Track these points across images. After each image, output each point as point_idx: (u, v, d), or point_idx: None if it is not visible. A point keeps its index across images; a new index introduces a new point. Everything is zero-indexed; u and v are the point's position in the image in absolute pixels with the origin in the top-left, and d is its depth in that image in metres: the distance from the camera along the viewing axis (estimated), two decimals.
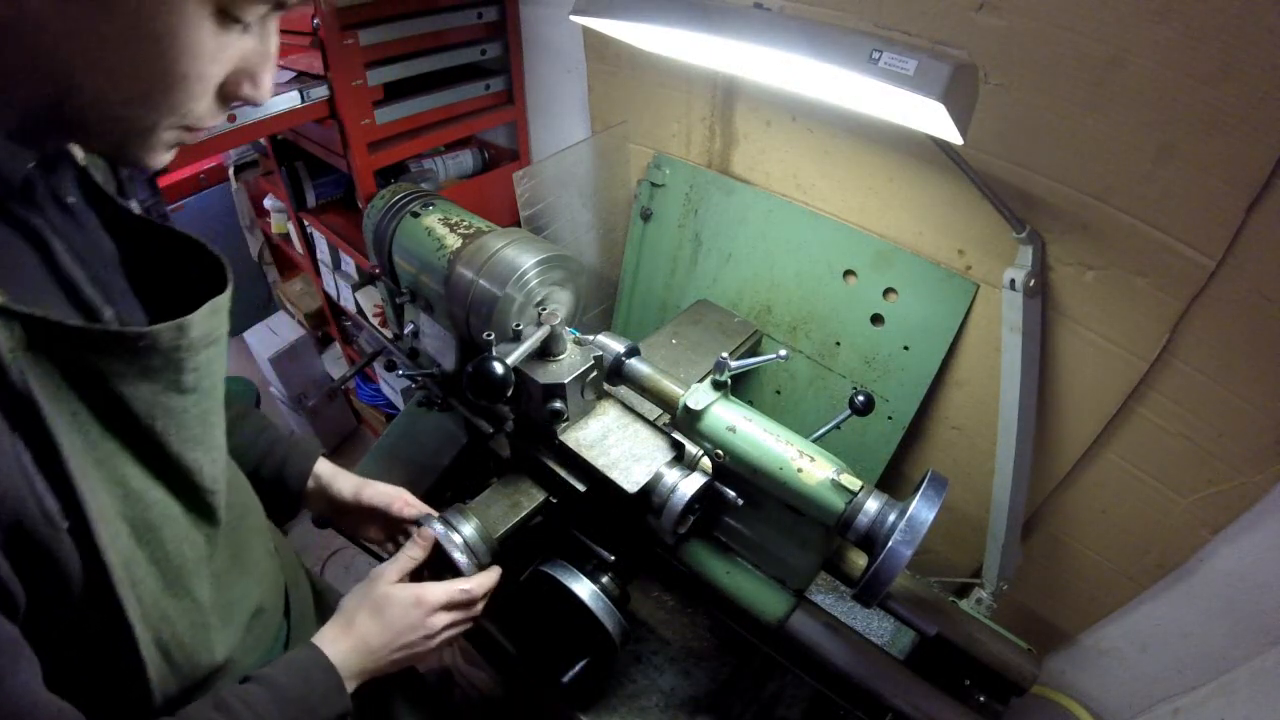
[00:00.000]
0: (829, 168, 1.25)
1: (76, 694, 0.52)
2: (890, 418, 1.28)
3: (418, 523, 0.87)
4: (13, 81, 0.44)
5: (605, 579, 0.93)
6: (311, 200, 1.93)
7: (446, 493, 1.24)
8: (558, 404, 0.87)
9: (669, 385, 0.90)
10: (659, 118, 1.48)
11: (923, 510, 0.71)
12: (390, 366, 1.35)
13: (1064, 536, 1.23)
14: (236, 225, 2.93)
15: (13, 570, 0.45)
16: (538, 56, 1.70)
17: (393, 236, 1.19)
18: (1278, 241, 0.83)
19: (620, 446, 0.89)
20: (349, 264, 1.96)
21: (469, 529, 0.87)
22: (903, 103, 0.72)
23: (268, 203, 2.37)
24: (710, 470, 0.88)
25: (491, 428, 1.18)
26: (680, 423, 0.88)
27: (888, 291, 1.23)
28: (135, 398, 0.51)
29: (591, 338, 0.94)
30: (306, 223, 1.97)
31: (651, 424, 0.92)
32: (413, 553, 0.84)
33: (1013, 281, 1.00)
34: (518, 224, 1.42)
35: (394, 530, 0.94)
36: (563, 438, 0.89)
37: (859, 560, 0.92)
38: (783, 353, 0.88)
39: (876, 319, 1.25)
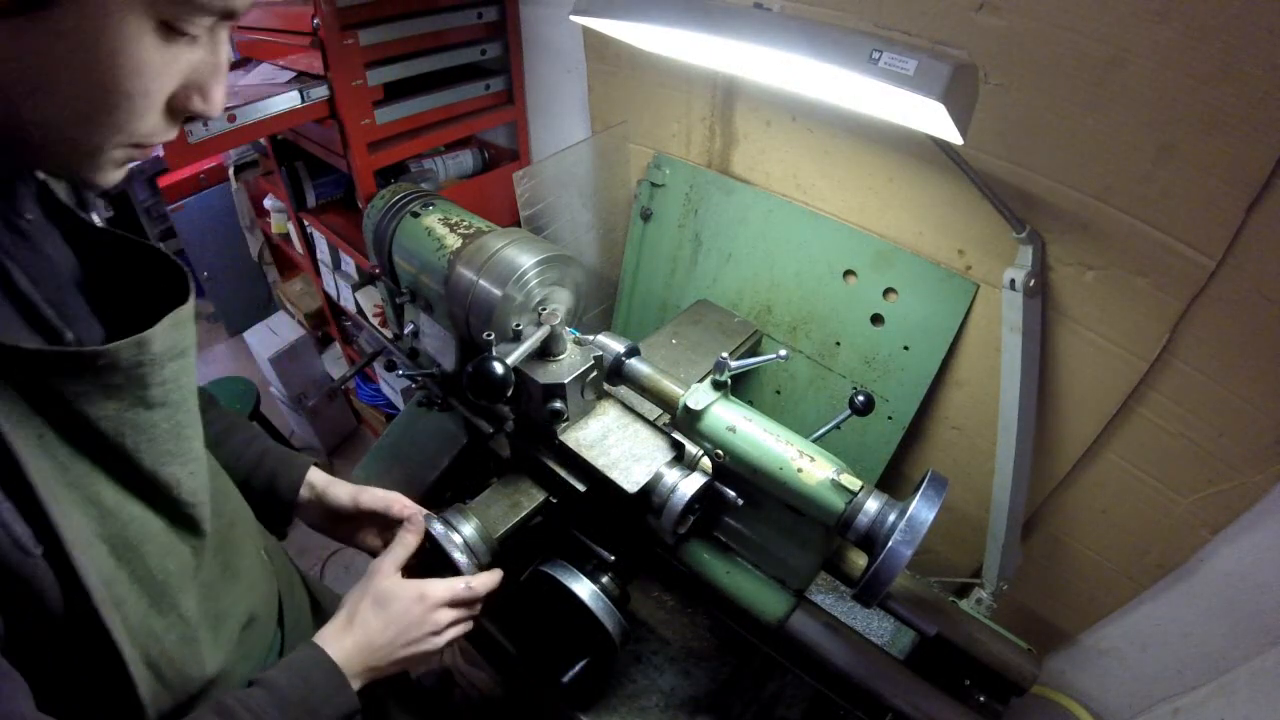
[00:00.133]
0: (829, 168, 1.25)
1: (68, 715, 0.51)
2: (890, 418, 1.28)
3: None
4: None
5: (605, 579, 0.93)
6: (311, 200, 1.93)
7: (446, 493, 1.24)
8: (558, 404, 0.87)
9: (669, 385, 0.90)
10: (659, 118, 1.48)
11: (923, 510, 0.71)
12: (390, 366, 1.35)
13: (1064, 536, 1.23)
14: (236, 225, 2.93)
15: None
16: (538, 56, 1.70)
17: (393, 236, 1.19)
18: (1278, 241, 0.83)
19: (620, 446, 0.89)
20: (349, 264, 1.96)
21: (469, 529, 0.87)
22: (903, 103, 0.72)
23: (268, 203, 2.37)
24: (710, 470, 0.88)
25: (491, 428, 1.18)
26: (680, 423, 0.88)
27: (888, 291, 1.23)
28: (101, 417, 0.50)
29: (591, 338, 0.94)
30: (306, 223, 1.97)
31: (651, 424, 0.92)
32: (406, 540, 0.83)
33: (1013, 281, 1.00)
34: (518, 224, 1.42)
35: (393, 535, 0.94)
36: (563, 438, 0.89)
37: (859, 560, 0.92)
38: (783, 353, 0.88)
39: (876, 319, 1.25)
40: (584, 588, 0.89)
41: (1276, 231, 0.83)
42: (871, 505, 0.76)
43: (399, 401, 2.35)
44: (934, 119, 0.71)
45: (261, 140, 2.02)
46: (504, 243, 1.06)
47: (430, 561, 0.85)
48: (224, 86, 0.52)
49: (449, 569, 0.84)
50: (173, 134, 0.52)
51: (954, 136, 0.72)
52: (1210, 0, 0.76)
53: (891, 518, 0.74)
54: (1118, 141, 0.89)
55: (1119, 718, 1.31)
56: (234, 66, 1.69)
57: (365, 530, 0.94)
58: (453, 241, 1.11)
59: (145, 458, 0.54)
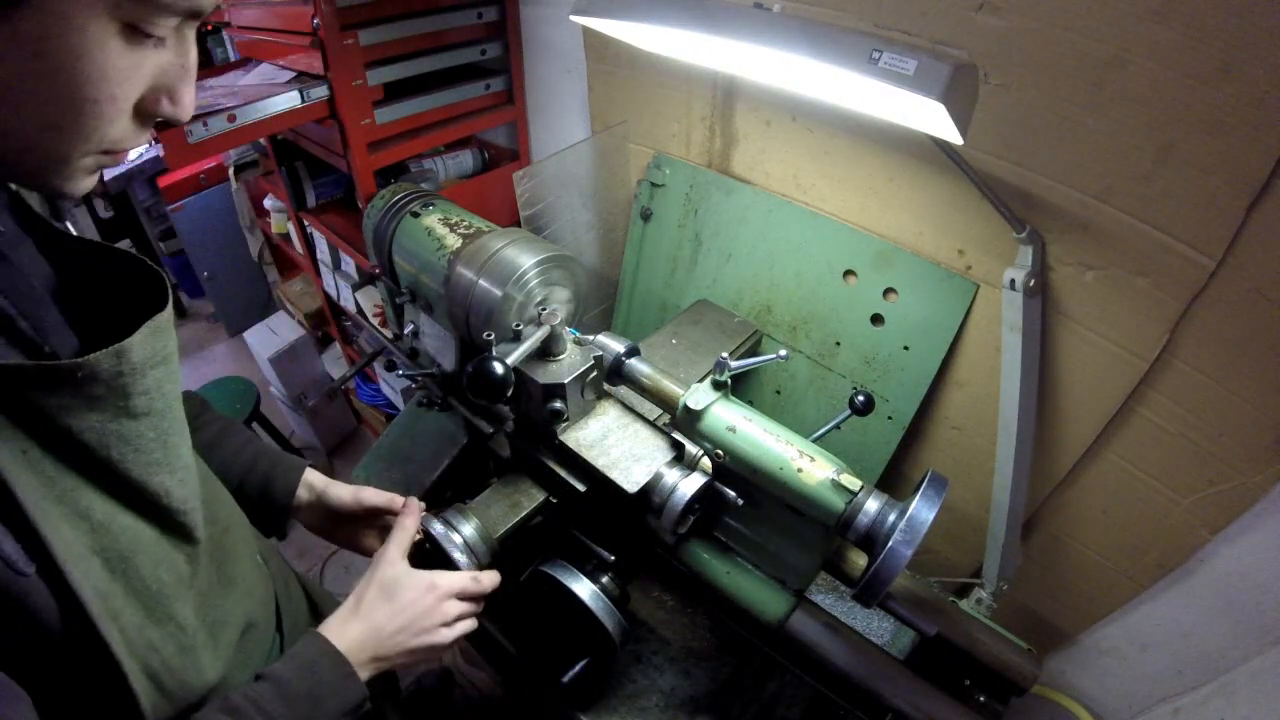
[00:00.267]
0: (829, 168, 1.25)
1: None
2: (890, 418, 1.28)
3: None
4: None
5: (605, 579, 0.93)
6: (311, 200, 1.93)
7: (446, 493, 1.24)
8: (558, 404, 0.87)
9: (669, 385, 0.90)
10: (659, 118, 1.48)
11: (923, 510, 0.71)
12: (390, 366, 1.35)
13: (1064, 536, 1.23)
14: (236, 225, 2.93)
15: None
16: (538, 56, 1.70)
17: (393, 236, 1.19)
18: (1278, 241, 0.83)
19: (620, 446, 0.89)
20: (349, 264, 1.96)
21: (469, 529, 0.86)
22: (903, 103, 0.72)
23: (268, 203, 2.37)
24: (710, 470, 0.88)
25: (491, 428, 1.18)
26: (680, 423, 0.88)
27: (888, 291, 1.23)
28: (84, 429, 0.49)
29: (591, 338, 0.94)
30: (306, 223, 1.97)
31: (651, 424, 0.92)
32: (405, 524, 0.82)
33: (1013, 281, 1.00)
34: (518, 224, 1.42)
35: None
36: (563, 438, 0.89)
37: (859, 560, 0.92)
38: (783, 353, 0.88)
39: (876, 319, 1.25)
40: (584, 588, 0.89)
41: (1276, 231, 0.83)
42: (871, 505, 0.76)
43: (399, 401, 2.35)
44: (934, 119, 0.71)
45: (261, 140, 2.02)
46: (504, 243, 1.06)
47: (430, 562, 0.85)
48: (193, 89, 0.51)
49: (449, 569, 0.84)
50: (143, 139, 0.51)
51: (954, 136, 0.72)
52: (1210, 0, 0.76)
53: (891, 518, 0.74)
54: (1118, 141, 0.89)
55: (1119, 718, 1.31)
56: (234, 66, 1.69)
57: (367, 533, 0.94)
58: (453, 241, 1.11)
59: (132, 468, 0.53)
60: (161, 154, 1.29)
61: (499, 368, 0.76)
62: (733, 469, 0.84)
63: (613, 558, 0.93)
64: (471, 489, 1.01)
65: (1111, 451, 1.10)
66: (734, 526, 0.94)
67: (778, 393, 1.44)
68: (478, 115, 1.73)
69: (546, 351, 0.88)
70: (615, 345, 0.94)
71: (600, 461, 0.87)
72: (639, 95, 1.49)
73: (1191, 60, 0.80)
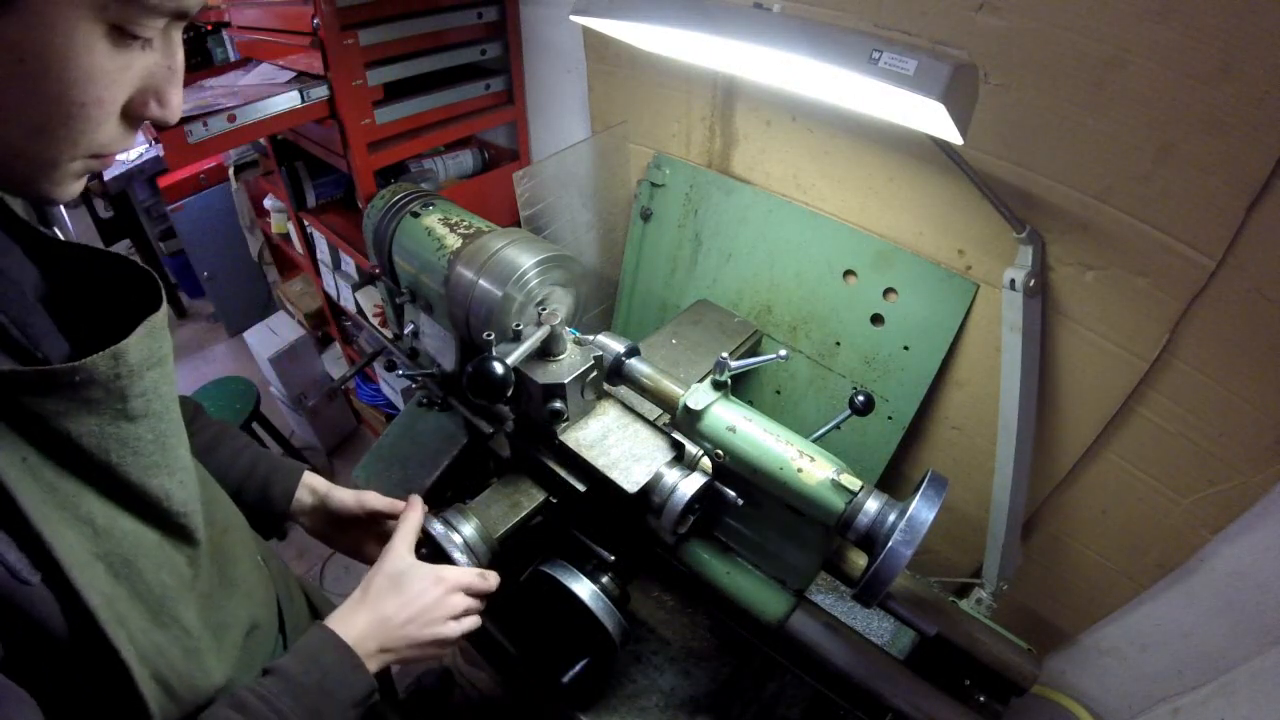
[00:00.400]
0: (829, 168, 1.25)
1: None
2: (890, 418, 1.28)
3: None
4: None
5: (605, 579, 0.93)
6: (311, 200, 1.93)
7: (446, 493, 1.24)
8: (558, 404, 0.87)
9: (669, 385, 0.90)
10: (659, 118, 1.48)
11: (923, 510, 0.71)
12: (390, 366, 1.35)
13: (1064, 536, 1.23)
14: (236, 225, 2.93)
15: None
16: (538, 56, 1.70)
17: (393, 236, 1.19)
18: (1278, 241, 0.83)
19: (620, 446, 0.89)
20: (349, 264, 1.96)
21: (469, 529, 0.87)
22: (903, 103, 0.72)
23: (268, 203, 2.37)
24: (710, 470, 0.88)
25: (491, 428, 1.18)
26: (680, 423, 0.88)
27: (888, 291, 1.23)
28: (83, 433, 0.49)
29: (591, 338, 0.94)
30: (306, 223, 1.97)
31: (651, 424, 0.92)
32: (410, 519, 0.82)
33: (1013, 281, 1.00)
34: (518, 224, 1.42)
35: None
36: (563, 438, 0.89)
37: (859, 560, 0.92)
38: (783, 353, 0.88)
39: (876, 319, 1.25)
40: (584, 588, 0.89)
41: (1276, 231, 0.83)
42: (871, 505, 0.76)
43: (399, 401, 2.35)
44: (934, 119, 0.71)
45: (261, 140, 2.02)
46: (504, 243, 1.06)
47: (431, 562, 0.85)
48: (180, 90, 0.51)
49: None
50: (130, 142, 0.50)
51: (954, 136, 0.72)
52: (1210, 0, 0.76)
53: (891, 518, 0.74)
54: (1118, 141, 0.89)
55: (1119, 718, 1.31)
56: (234, 66, 1.69)
57: (368, 539, 0.94)
58: (453, 241, 1.11)
59: (132, 471, 0.53)
60: (161, 154, 1.28)
61: (499, 368, 0.76)
62: (733, 469, 0.84)
63: (613, 558, 0.93)
64: (471, 489, 1.01)
65: (1111, 451, 1.10)
66: (734, 526, 0.94)
67: (778, 393, 1.44)
68: (478, 115, 1.73)
69: (546, 351, 0.88)
70: (615, 345, 0.94)
71: (600, 461, 0.87)
72: (639, 95, 1.49)
73: (1191, 60, 0.80)
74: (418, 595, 0.74)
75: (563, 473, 0.90)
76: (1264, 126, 0.78)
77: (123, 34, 0.44)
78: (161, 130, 1.23)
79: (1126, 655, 1.25)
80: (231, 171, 2.46)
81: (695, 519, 0.88)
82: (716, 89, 1.34)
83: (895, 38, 0.94)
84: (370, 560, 0.91)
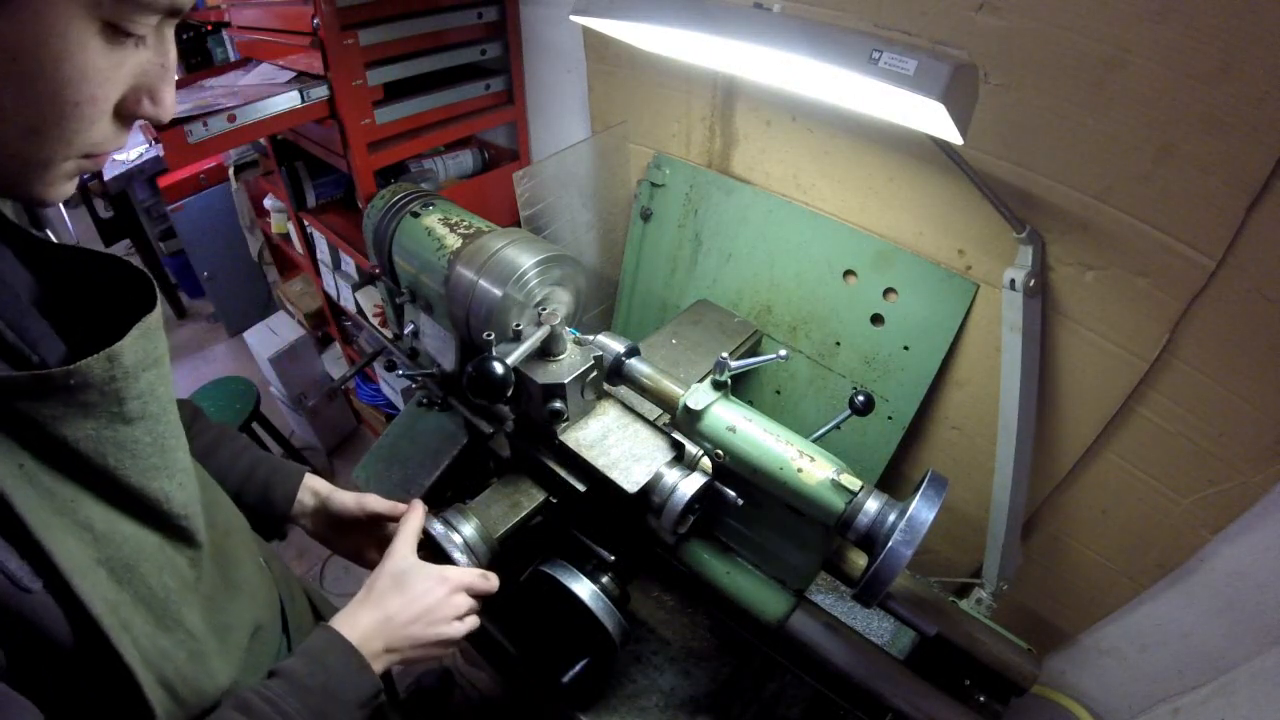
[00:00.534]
0: (829, 168, 1.25)
1: None
2: (890, 418, 1.28)
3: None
4: None
5: (605, 579, 0.93)
6: (311, 200, 1.93)
7: (446, 493, 1.24)
8: (558, 404, 0.87)
9: (669, 385, 0.90)
10: (659, 118, 1.48)
11: (923, 510, 0.71)
12: (390, 366, 1.35)
13: (1064, 536, 1.23)
14: (236, 225, 2.93)
15: None
16: (538, 56, 1.70)
17: (393, 236, 1.19)
18: (1278, 241, 0.83)
19: (620, 446, 0.89)
20: (349, 264, 1.96)
21: (469, 529, 0.87)
22: (903, 103, 0.72)
23: (268, 203, 2.37)
24: (710, 470, 0.88)
25: (491, 428, 1.18)
26: (680, 423, 0.88)
27: (888, 291, 1.23)
28: (80, 437, 0.48)
29: (591, 338, 0.94)
30: (306, 223, 1.97)
31: (651, 424, 0.92)
32: (411, 521, 0.82)
33: (1013, 281, 1.00)
34: (518, 224, 1.42)
35: None
36: (563, 438, 0.89)
37: (859, 560, 0.92)
38: (783, 353, 0.88)
39: (876, 319, 1.25)
40: (584, 588, 0.89)
41: (1276, 231, 0.83)
42: (871, 505, 0.76)
43: (399, 401, 2.35)
44: (934, 119, 0.71)
45: (261, 140, 2.02)
46: (504, 243, 1.06)
47: (430, 562, 0.85)
48: (173, 88, 0.51)
49: None
50: (123, 141, 0.50)
51: (954, 136, 0.72)
52: (1210, 0, 0.76)
53: (891, 518, 0.74)
54: (1118, 141, 0.89)
55: (1119, 718, 1.31)
56: (234, 66, 1.69)
57: (368, 544, 0.94)
58: (453, 241, 1.11)
59: (130, 474, 0.52)
60: (161, 154, 1.28)
61: (499, 368, 0.76)
62: (733, 469, 0.84)
63: (613, 558, 0.93)
64: (471, 489, 1.01)
65: (1111, 451, 1.10)
66: (734, 526, 0.94)
67: (778, 393, 1.44)
68: (478, 115, 1.73)
69: (546, 351, 0.88)
70: (615, 345, 0.94)
71: (600, 461, 0.87)
72: (639, 95, 1.49)
73: (1191, 60, 0.80)
74: (422, 595, 0.74)
75: (563, 473, 0.90)
76: (1264, 126, 0.78)
77: (116, 31, 0.43)
78: (159, 129, 1.23)
79: (1126, 655, 1.25)
80: (231, 171, 2.46)
81: (695, 519, 0.88)
82: (716, 89, 1.34)
83: (895, 38, 0.95)
84: (370, 565, 0.91)
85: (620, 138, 1.55)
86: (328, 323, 2.38)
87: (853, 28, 0.93)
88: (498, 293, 1.01)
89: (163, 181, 2.91)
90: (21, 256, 0.56)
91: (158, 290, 0.58)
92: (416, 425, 1.31)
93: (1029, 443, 1.10)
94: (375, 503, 0.90)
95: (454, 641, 0.77)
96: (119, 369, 0.50)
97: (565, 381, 0.85)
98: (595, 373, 0.90)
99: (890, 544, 0.70)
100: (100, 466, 0.50)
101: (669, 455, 0.88)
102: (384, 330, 1.85)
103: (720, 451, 0.84)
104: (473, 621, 0.80)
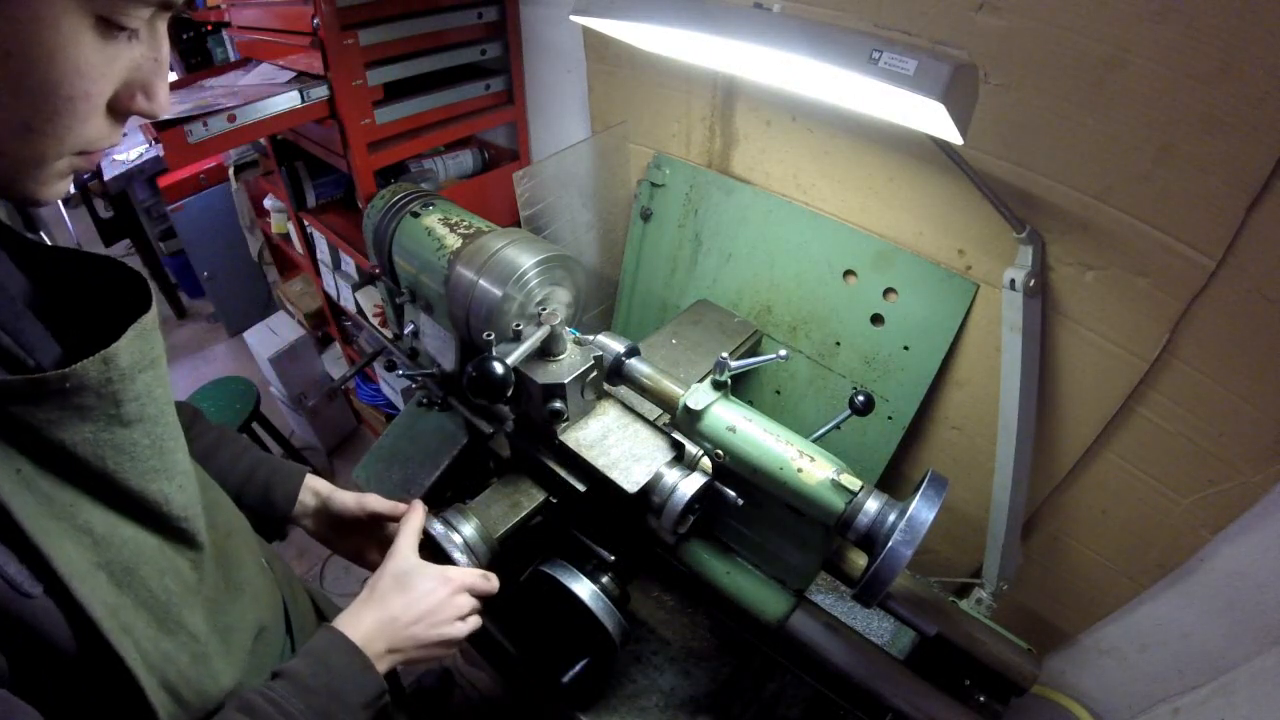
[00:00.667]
0: (829, 168, 1.25)
1: None
2: (890, 418, 1.28)
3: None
4: None
5: (605, 579, 0.93)
6: (311, 200, 1.93)
7: (446, 493, 1.24)
8: (558, 404, 0.87)
9: (669, 385, 0.90)
10: (659, 118, 1.48)
11: (923, 510, 0.71)
12: (390, 366, 1.35)
13: (1064, 536, 1.23)
14: (236, 225, 2.93)
15: None
16: (538, 56, 1.70)
17: (393, 236, 1.19)
18: (1278, 241, 0.83)
19: (620, 446, 0.89)
20: (349, 264, 1.96)
21: (469, 529, 0.87)
22: (903, 103, 0.72)
23: (268, 203, 2.37)
24: (710, 470, 0.88)
25: (491, 428, 1.18)
26: (680, 423, 0.88)
27: (888, 291, 1.23)
28: (77, 441, 0.48)
29: (591, 338, 0.94)
30: (306, 223, 1.97)
31: (651, 424, 0.92)
32: (412, 521, 0.82)
33: (1013, 281, 1.00)
34: (518, 224, 1.42)
35: None
36: (563, 438, 0.89)
37: (859, 560, 0.92)
38: (783, 353, 0.88)
39: (876, 319, 1.25)
40: (584, 588, 0.89)
41: (1276, 231, 0.83)
42: (871, 505, 0.76)
43: (399, 401, 2.35)
44: (934, 119, 0.71)
45: (261, 140, 2.02)
46: (504, 243, 1.06)
47: (431, 563, 0.85)
48: (167, 83, 0.50)
49: None
50: (117, 138, 0.50)
51: (954, 136, 0.72)
52: (1210, 0, 0.76)
53: (891, 518, 0.74)
54: (1118, 141, 0.89)
55: (1119, 718, 1.31)
56: (234, 66, 1.69)
57: (369, 544, 0.94)
58: (453, 241, 1.11)
59: (129, 477, 0.52)
60: (161, 154, 1.28)
61: (499, 368, 0.76)
62: (733, 469, 0.84)
63: (613, 558, 0.93)
64: (471, 489, 1.01)
65: (1111, 451, 1.10)
66: (734, 526, 0.94)
67: (778, 393, 1.44)
68: (478, 115, 1.73)
69: (546, 351, 0.88)
70: (615, 345, 0.94)
71: (600, 461, 0.87)
72: (639, 95, 1.49)
73: (1191, 60, 0.80)
74: (424, 595, 0.74)
75: (563, 473, 0.90)
76: (1264, 126, 0.78)
77: (109, 25, 0.43)
78: (159, 129, 1.23)
79: (1126, 655, 1.25)
80: (231, 171, 2.46)
81: (695, 519, 0.88)
82: (716, 89, 1.34)
83: (895, 38, 0.95)
84: (371, 566, 0.91)
85: (620, 138, 1.55)
86: (328, 323, 2.38)
87: (853, 28, 0.93)
88: (498, 293, 1.01)
89: (163, 181, 2.91)
90: (15, 259, 0.56)
91: (153, 291, 0.57)
92: (416, 425, 1.31)
93: (1029, 443, 1.10)
94: (376, 503, 0.90)
95: (457, 642, 0.77)
96: (115, 371, 0.50)
97: (565, 381, 0.85)
98: (595, 373, 0.90)
99: (890, 544, 0.70)
100: (99, 470, 0.50)
101: (669, 455, 0.88)
102: (384, 330, 1.85)
103: (720, 451, 0.84)
104: (475, 622, 0.80)
